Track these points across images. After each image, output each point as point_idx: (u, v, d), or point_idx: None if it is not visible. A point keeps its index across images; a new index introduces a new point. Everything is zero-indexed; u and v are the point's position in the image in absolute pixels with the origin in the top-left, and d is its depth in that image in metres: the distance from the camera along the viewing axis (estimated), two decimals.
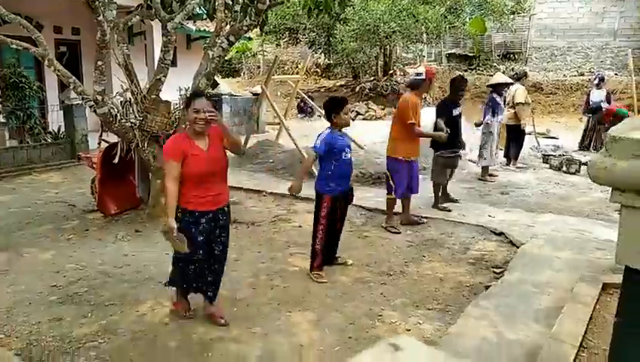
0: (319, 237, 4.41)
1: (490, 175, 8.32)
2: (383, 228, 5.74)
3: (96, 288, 4.17)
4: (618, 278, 3.75)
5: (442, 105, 6.75)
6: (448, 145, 6.31)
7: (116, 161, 5.98)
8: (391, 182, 5.72)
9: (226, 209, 3.55)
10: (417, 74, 5.79)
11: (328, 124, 4.43)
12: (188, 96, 3.52)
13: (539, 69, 19.75)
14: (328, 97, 4.73)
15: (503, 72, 16.46)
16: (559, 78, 18.55)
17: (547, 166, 9.43)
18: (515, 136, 9.29)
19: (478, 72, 20.36)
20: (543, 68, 19.79)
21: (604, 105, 10.59)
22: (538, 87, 17.91)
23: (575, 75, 18.61)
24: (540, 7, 20.04)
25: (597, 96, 10.91)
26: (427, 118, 6.65)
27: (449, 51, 21.47)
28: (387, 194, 5.82)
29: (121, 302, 3.93)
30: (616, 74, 18.17)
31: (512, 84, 9.08)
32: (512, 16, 19.89)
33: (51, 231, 5.68)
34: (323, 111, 4.71)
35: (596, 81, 11.25)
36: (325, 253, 4.49)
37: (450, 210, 6.38)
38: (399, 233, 5.60)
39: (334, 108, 4.38)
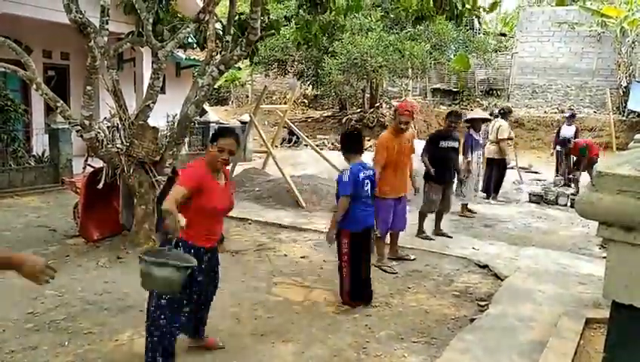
0: (346, 274, 4.45)
1: (470, 211, 8.34)
2: (375, 266, 5.32)
3: (74, 316, 4.06)
4: (601, 313, 3.78)
5: (429, 138, 6.86)
6: (437, 176, 6.38)
7: (100, 186, 5.92)
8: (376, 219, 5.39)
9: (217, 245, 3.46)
10: (393, 109, 5.71)
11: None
12: (217, 131, 3.34)
13: (521, 105, 20.24)
14: (348, 131, 4.81)
15: (485, 108, 16.88)
16: (540, 114, 19.02)
17: (527, 200, 9.54)
18: (497, 170, 9.45)
19: (462, 106, 20.77)
20: (524, 104, 20.30)
21: (573, 139, 10.91)
22: (520, 122, 18.34)
23: (555, 113, 19.11)
24: (521, 45, 20.68)
25: (567, 131, 11.40)
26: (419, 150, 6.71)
27: (434, 86, 21.93)
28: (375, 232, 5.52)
29: (100, 330, 3.82)
30: (595, 112, 18.71)
31: (488, 120, 9.34)
32: (495, 54, 20.48)
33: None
34: (340, 144, 4.71)
35: (567, 114, 12.10)
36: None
37: (433, 239, 6.40)
38: (396, 273, 5.33)
39: (358, 141, 4.55)
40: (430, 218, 6.81)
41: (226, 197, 3.28)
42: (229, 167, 3.53)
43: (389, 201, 5.45)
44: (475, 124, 8.41)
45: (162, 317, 3.08)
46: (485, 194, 9.49)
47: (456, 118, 6.79)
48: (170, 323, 3.12)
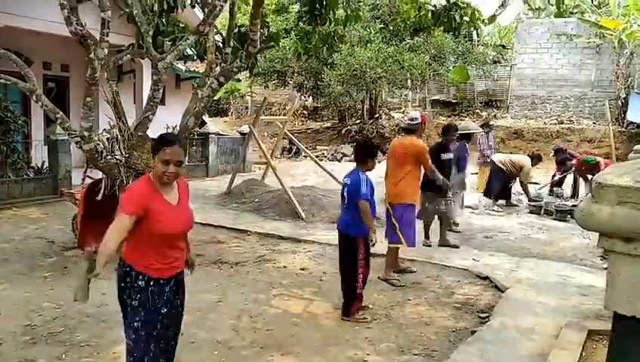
0: (360, 279, 4.40)
1: (454, 223, 8.02)
2: (382, 279, 5.37)
3: (72, 328, 4.03)
4: (604, 325, 3.75)
5: (432, 150, 6.87)
6: (436, 188, 6.39)
7: (100, 197, 5.90)
8: (398, 231, 5.37)
9: (183, 268, 2.93)
10: (412, 119, 5.71)
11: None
12: (156, 139, 2.74)
13: (520, 116, 20.29)
14: (367, 140, 4.89)
15: (485, 118, 16.91)
16: (540, 125, 19.05)
17: (528, 211, 9.57)
18: (501, 177, 9.54)
19: (461, 117, 20.83)
20: (524, 115, 20.34)
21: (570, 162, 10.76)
22: (520, 133, 18.36)
23: (555, 123, 19.13)
24: (520, 57, 20.78)
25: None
26: None
27: (433, 97, 22.01)
28: (391, 243, 5.43)
29: (98, 343, 3.79)
30: (594, 123, 18.75)
31: (484, 130, 9.56)
32: (493, 66, 20.57)
33: (28, 267, 5.52)
34: (353, 154, 4.79)
35: (552, 154, 11.70)
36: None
37: (458, 246, 6.72)
38: (403, 285, 5.27)
39: (373, 152, 4.61)
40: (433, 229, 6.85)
41: (181, 218, 2.76)
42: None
43: (414, 208, 5.64)
44: (471, 136, 8.46)
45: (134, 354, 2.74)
46: (492, 200, 9.58)
47: (455, 131, 7.11)
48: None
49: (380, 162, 13.12)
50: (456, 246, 6.77)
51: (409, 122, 5.75)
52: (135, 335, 2.71)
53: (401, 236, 5.37)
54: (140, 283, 2.69)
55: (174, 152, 2.63)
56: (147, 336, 2.70)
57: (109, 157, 5.81)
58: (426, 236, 6.86)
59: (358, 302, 4.45)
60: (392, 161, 5.68)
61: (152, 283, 2.70)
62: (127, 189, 2.84)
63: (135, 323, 2.70)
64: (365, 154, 4.54)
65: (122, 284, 2.76)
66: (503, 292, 5.05)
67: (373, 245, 4.39)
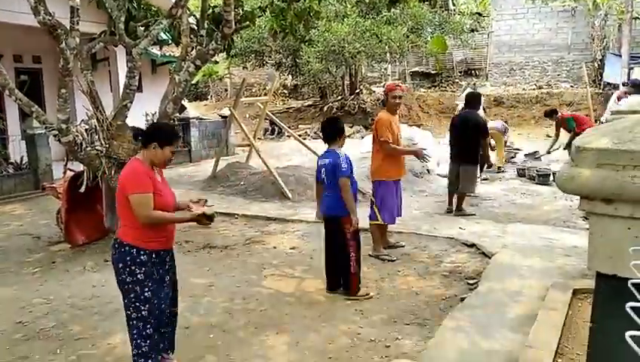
0: (354, 258, 4.36)
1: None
2: (372, 256, 5.35)
3: (64, 322, 4.02)
4: (588, 283, 3.86)
5: (483, 124, 7.19)
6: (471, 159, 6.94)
7: (82, 190, 5.83)
8: (374, 207, 5.37)
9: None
10: (383, 92, 5.73)
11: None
12: (169, 133, 3.07)
13: (499, 83, 20.38)
14: (330, 118, 4.76)
15: (465, 89, 16.94)
16: (519, 91, 19.18)
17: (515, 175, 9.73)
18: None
19: (442, 88, 20.86)
20: (503, 82, 20.44)
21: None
22: (499, 100, 18.46)
23: (534, 89, 19.27)
24: (497, 24, 20.77)
25: None
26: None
27: (412, 69, 21.95)
28: (370, 221, 5.41)
29: (92, 335, 3.80)
30: (572, 86, 18.92)
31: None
32: (471, 34, 20.52)
33: (15, 264, 5.47)
34: (321, 133, 4.60)
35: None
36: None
37: (474, 214, 6.97)
38: (394, 260, 5.26)
39: (341, 129, 4.49)
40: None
41: (170, 192, 3.12)
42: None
43: (392, 184, 5.44)
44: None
45: (148, 327, 2.93)
46: None
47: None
48: (155, 346, 2.99)
49: (363, 138, 13.11)
50: (472, 215, 7.00)
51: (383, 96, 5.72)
52: (148, 304, 2.90)
53: (377, 212, 5.36)
54: (142, 258, 2.89)
55: (179, 144, 3.27)
56: (159, 304, 2.93)
57: (89, 148, 5.73)
58: (450, 203, 7.25)
59: (356, 281, 4.41)
60: (372, 136, 5.63)
61: (154, 255, 2.93)
62: (130, 174, 2.92)
63: (146, 294, 2.89)
64: (333, 132, 4.45)
65: (121, 265, 2.91)
66: (489, 258, 5.15)
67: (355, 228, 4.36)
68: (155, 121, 3.19)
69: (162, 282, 2.98)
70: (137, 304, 2.89)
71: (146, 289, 2.89)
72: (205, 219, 3.02)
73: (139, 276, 2.87)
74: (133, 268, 2.87)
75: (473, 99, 7.41)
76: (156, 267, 2.94)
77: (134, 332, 2.93)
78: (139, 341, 2.92)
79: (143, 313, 2.89)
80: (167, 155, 2.99)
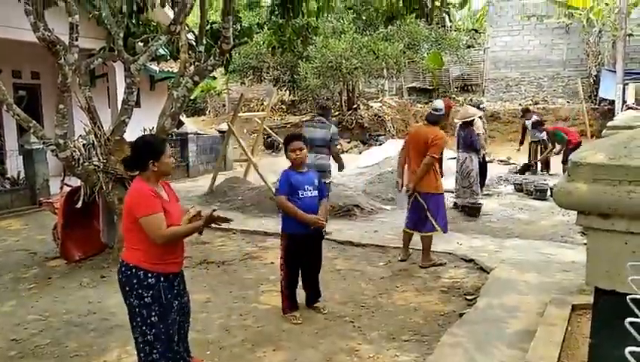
0: (282, 276, 4.29)
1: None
2: (424, 267, 5.43)
3: (60, 339, 3.97)
4: (587, 299, 3.84)
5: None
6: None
7: (79, 205, 5.82)
8: (432, 220, 5.45)
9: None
10: (435, 109, 5.62)
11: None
12: (157, 143, 3.00)
13: (495, 99, 20.52)
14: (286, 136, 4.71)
15: (462, 104, 17.04)
16: (515, 107, 19.28)
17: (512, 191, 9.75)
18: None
19: None
20: (499, 98, 20.58)
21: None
22: (496, 116, 18.57)
23: (530, 104, 19.39)
24: (492, 40, 20.97)
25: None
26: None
27: (409, 85, 22.11)
28: (427, 232, 5.48)
29: (87, 352, 3.75)
30: (568, 101, 19.07)
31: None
32: (467, 50, 20.72)
33: (11, 281, 5.42)
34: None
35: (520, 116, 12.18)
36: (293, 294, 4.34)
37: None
38: (445, 263, 5.48)
39: (287, 144, 4.28)
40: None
41: (178, 212, 3.01)
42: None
43: (442, 196, 5.68)
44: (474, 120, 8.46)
45: (155, 352, 2.88)
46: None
47: None
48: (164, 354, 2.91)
49: (360, 153, 13.10)
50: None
51: (432, 114, 5.63)
52: (155, 329, 2.84)
53: (435, 223, 5.46)
54: (150, 280, 2.82)
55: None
56: (166, 328, 2.86)
57: (87, 163, 5.72)
58: None
59: (285, 301, 4.28)
60: (414, 150, 5.55)
61: (162, 278, 2.85)
62: (137, 197, 2.83)
63: (152, 318, 2.83)
64: (285, 149, 4.34)
65: (127, 288, 2.84)
66: (488, 273, 5.13)
67: (325, 233, 4.28)
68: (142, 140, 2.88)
69: (170, 307, 2.90)
70: (144, 328, 2.83)
71: (153, 313, 2.82)
72: (219, 218, 2.95)
73: (146, 299, 2.81)
74: (140, 291, 2.81)
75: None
76: (164, 291, 2.86)
77: (141, 355, 2.89)
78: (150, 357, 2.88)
79: (149, 337, 2.84)
80: (168, 163, 2.95)
